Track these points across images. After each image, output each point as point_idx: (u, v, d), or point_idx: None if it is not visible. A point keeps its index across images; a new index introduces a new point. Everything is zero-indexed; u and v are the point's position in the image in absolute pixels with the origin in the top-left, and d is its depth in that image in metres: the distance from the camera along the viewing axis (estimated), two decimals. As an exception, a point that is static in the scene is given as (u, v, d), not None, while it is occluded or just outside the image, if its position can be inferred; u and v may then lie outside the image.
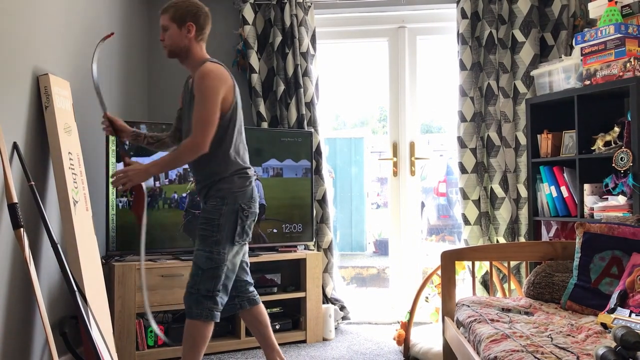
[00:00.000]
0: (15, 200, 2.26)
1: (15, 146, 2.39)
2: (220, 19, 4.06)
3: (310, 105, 3.85)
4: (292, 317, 3.60)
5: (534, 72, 3.52)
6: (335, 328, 3.81)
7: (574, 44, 3.17)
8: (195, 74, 2.42)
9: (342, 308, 3.88)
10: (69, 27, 2.92)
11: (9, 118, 2.35)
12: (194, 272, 2.40)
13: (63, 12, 2.85)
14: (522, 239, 3.63)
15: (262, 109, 3.83)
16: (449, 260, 2.71)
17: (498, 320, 2.20)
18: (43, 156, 2.64)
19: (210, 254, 2.38)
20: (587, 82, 2.99)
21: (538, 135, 3.38)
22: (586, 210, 3.00)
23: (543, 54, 3.71)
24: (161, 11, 2.49)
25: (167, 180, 3.38)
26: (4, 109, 2.32)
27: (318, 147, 3.84)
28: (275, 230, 3.62)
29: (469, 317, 2.31)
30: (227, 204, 2.41)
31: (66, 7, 2.88)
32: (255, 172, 2.68)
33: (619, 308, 2.06)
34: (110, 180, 2.32)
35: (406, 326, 3.28)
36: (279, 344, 2.75)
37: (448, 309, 2.66)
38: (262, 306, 2.66)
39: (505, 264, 3.21)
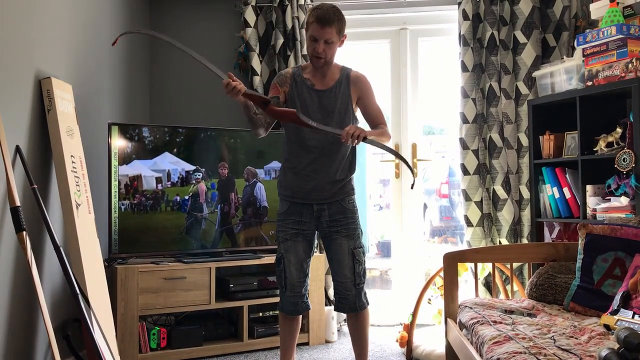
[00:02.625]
0: (18, 203, 2.27)
1: (17, 149, 2.40)
2: (222, 21, 4.07)
3: (312, 107, 3.85)
4: (294, 319, 3.60)
5: (535, 74, 3.52)
6: (338, 330, 3.81)
7: (575, 45, 3.17)
8: (354, 78, 2.58)
9: (345, 310, 3.88)
10: (72, 31, 2.93)
11: (11, 121, 2.36)
12: (358, 270, 2.55)
13: (66, 15, 2.85)
14: (524, 241, 3.62)
15: (264, 111, 3.83)
16: (452, 262, 2.71)
17: (501, 322, 2.19)
18: (45, 159, 2.65)
19: (363, 249, 2.61)
20: (589, 83, 2.99)
21: (540, 137, 3.38)
22: (589, 212, 3.00)
23: (545, 55, 3.71)
24: (323, 23, 2.41)
25: (169, 182, 3.38)
26: (7, 112, 2.32)
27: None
28: (277, 233, 3.62)
29: (471, 318, 2.31)
30: (355, 200, 2.63)
31: (69, 10, 2.89)
32: None
33: (622, 309, 2.05)
34: (344, 136, 2.32)
35: (409, 328, 3.27)
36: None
37: (450, 310, 2.66)
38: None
39: (508, 266, 3.20)
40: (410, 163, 4.05)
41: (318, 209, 2.55)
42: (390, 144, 4.09)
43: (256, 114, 2.50)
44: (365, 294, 2.60)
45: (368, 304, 2.62)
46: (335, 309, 2.66)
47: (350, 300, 2.56)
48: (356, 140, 2.32)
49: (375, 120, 2.59)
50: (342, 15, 2.51)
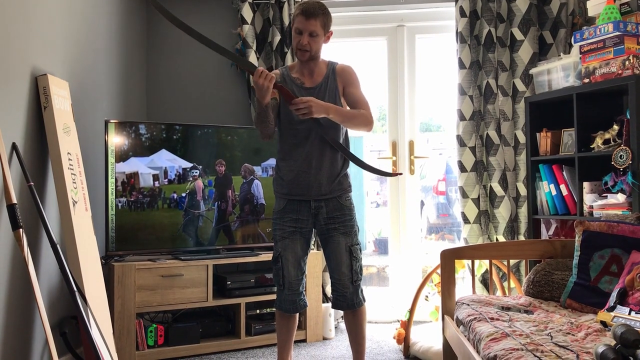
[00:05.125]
0: (15, 200, 2.26)
1: (14, 147, 2.39)
2: (219, 18, 4.06)
3: (309, 104, 3.85)
4: (292, 316, 3.60)
5: (532, 71, 3.52)
6: (335, 327, 3.81)
7: (572, 42, 3.17)
8: (339, 70, 2.59)
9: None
10: (68, 27, 2.92)
11: (7, 118, 2.35)
12: (355, 267, 2.55)
13: (62, 12, 2.84)
14: (521, 238, 3.63)
15: (261, 108, 3.83)
16: (449, 258, 2.71)
17: (498, 319, 2.20)
18: (42, 157, 2.64)
19: (360, 246, 2.60)
20: (586, 80, 2.99)
21: (537, 134, 3.38)
22: (585, 209, 3.00)
23: (542, 52, 3.71)
24: (308, 15, 2.45)
25: (166, 180, 3.38)
26: (3, 110, 2.32)
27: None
28: (274, 230, 3.62)
29: (468, 315, 2.31)
30: (351, 197, 2.63)
31: (65, 7, 2.87)
32: None
33: (618, 306, 2.06)
34: (292, 105, 2.37)
35: (406, 325, 3.28)
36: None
37: (448, 307, 2.66)
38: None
39: (505, 263, 3.21)
40: (406, 161, 4.06)
41: (316, 206, 2.55)
42: (387, 141, 4.12)
43: (267, 115, 2.50)
44: (362, 290, 2.61)
45: (365, 300, 2.62)
46: (333, 307, 2.66)
47: (348, 298, 2.56)
48: (303, 113, 2.34)
49: (356, 106, 2.57)
50: (328, 11, 2.53)
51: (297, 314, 2.68)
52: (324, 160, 2.53)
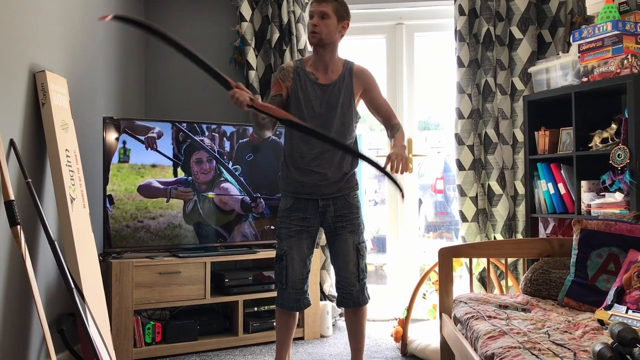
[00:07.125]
0: (12, 197, 2.26)
1: (12, 143, 2.39)
2: (218, 15, 4.05)
3: (307, 102, 3.84)
4: (289, 314, 3.60)
5: (531, 69, 3.52)
6: (333, 325, 3.81)
7: (571, 41, 3.17)
8: (357, 71, 2.56)
9: (340, 305, 3.89)
10: (66, 24, 2.91)
11: (5, 115, 2.35)
12: (362, 265, 2.56)
13: (60, 8, 2.84)
14: (519, 236, 3.63)
15: (260, 106, 3.82)
16: (447, 257, 2.71)
17: (495, 317, 2.20)
18: (40, 153, 2.64)
19: (365, 244, 2.60)
20: (585, 79, 3.00)
21: (535, 132, 3.38)
22: (583, 207, 3.01)
23: (540, 51, 3.71)
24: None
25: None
26: (1, 106, 2.31)
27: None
28: (272, 227, 3.62)
29: (466, 313, 2.32)
30: (358, 195, 2.64)
31: (63, 3, 2.87)
32: None
33: (615, 304, 2.06)
34: (390, 167, 2.33)
35: (404, 323, 3.28)
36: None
37: (445, 305, 2.67)
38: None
39: (503, 261, 3.21)
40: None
41: (324, 205, 2.53)
42: (385, 139, 4.11)
43: (264, 119, 2.46)
44: (367, 288, 2.60)
45: (369, 298, 2.62)
46: (338, 305, 2.64)
47: (355, 296, 2.55)
48: (400, 169, 2.31)
49: (387, 114, 2.54)
50: (344, 2, 2.50)
51: (297, 312, 2.67)
52: (334, 158, 2.51)
